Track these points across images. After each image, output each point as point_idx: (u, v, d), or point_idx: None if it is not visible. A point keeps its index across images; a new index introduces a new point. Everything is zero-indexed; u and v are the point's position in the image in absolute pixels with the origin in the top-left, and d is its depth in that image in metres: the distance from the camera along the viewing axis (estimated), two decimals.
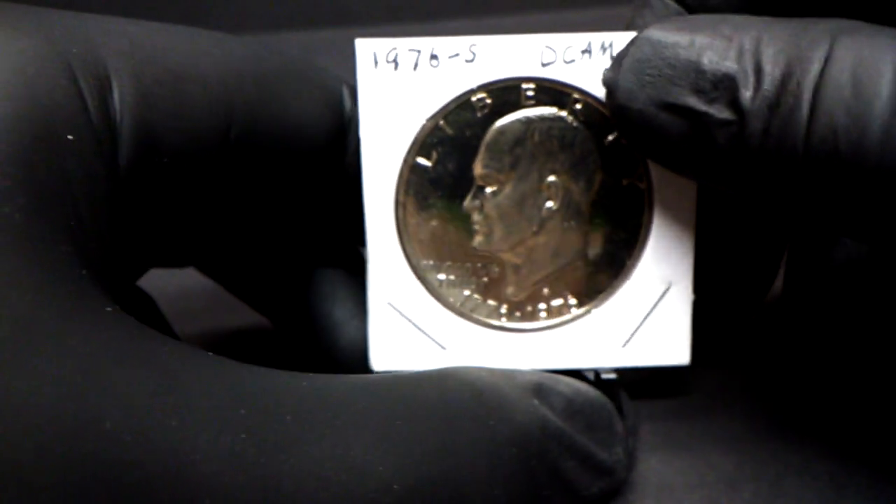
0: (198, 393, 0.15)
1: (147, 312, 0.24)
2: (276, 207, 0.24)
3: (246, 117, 0.20)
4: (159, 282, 0.24)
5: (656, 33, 0.19)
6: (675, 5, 0.22)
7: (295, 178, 0.23)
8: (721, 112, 0.18)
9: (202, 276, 0.27)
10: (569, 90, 0.21)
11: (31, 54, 0.15)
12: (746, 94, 0.17)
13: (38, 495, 0.13)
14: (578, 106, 0.22)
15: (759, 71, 0.17)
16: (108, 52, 0.17)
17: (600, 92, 0.21)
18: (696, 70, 0.18)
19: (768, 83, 0.17)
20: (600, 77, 0.21)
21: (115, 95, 0.17)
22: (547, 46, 0.21)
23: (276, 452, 0.15)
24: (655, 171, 0.22)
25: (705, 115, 0.18)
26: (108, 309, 0.15)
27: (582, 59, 0.21)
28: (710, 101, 0.18)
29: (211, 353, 0.16)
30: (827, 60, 0.16)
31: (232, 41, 0.20)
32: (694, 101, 0.18)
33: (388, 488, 0.16)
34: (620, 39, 0.21)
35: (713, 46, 0.18)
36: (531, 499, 0.19)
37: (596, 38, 0.21)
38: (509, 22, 0.41)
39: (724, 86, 0.18)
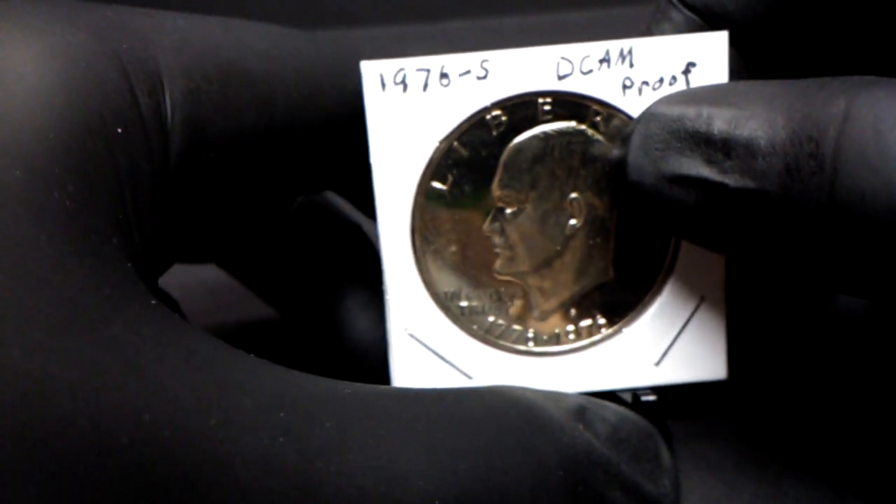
0: (239, 392, 0.15)
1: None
2: (303, 196, 0.24)
3: (287, 112, 0.20)
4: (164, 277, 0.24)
5: (661, 107, 0.19)
6: (693, 16, 0.20)
7: (331, 169, 0.23)
8: (737, 181, 0.17)
9: (201, 272, 0.26)
10: (588, 102, 0.20)
11: (83, 48, 0.16)
12: (762, 160, 0.16)
13: (74, 483, 0.12)
14: (599, 118, 0.20)
15: (773, 135, 0.16)
16: (159, 49, 0.17)
17: (621, 102, 0.20)
18: (707, 140, 0.17)
19: (785, 147, 0.16)
20: (620, 86, 0.20)
21: (167, 92, 0.17)
22: (563, 58, 0.20)
23: (314, 458, 0.14)
24: None
25: (720, 185, 0.17)
26: (153, 302, 0.15)
27: (600, 69, 0.20)
28: (724, 171, 0.17)
29: (252, 355, 0.16)
30: (845, 119, 0.15)
31: (275, 33, 0.21)
32: (707, 172, 0.17)
33: (429, 502, 0.15)
34: (640, 46, 0.20)
35: (722, 115, 0.17)
36: None
37: (614, 46, 0.20)
38: (510, 22, 0.40)
39: (738, 154, 0.17)
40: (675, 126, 0.18)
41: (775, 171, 0.16)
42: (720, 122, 0.17)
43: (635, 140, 0.19)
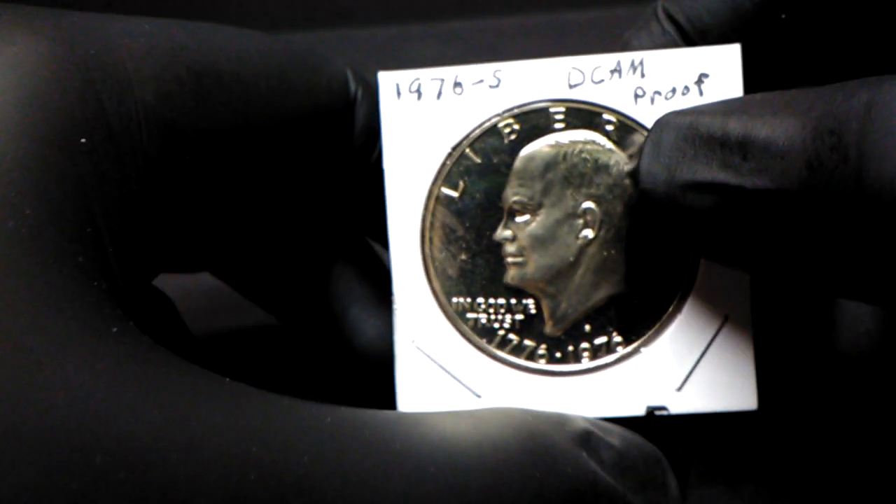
0: (207, 428, 0.14)
1: (164, 313, 0.23)
2: (291, 199, 0.23)
3: (260, 110, 0.20)
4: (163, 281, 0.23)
5: (674, 116, 0.18)
6: (672, 29, 0.21)
7: (309, 166, 0.22)
8: (755, 182, 0.16)
9: (209, 277, 0.26)
10: (600, 110, 0.20)
11: (46, 57, 0.15)
12: (781, 158, 0.16)
13: None
14: (611, 127, 0.20)
15: (792, 132, 0.16)
16: (127, 54, 0.17)
17: (633, 111, 0.20)
18: (722, 143, 0.17)
19: (805, 143, 0.15)
20: (632, 96, 0.20)
21: (136, 97, 0.17)
22: (574, 68, 0.20)
23: (289, 496, 0.13)
24: None
25: (738, 189, 0.16)
26: (115, 329, 0.14)
27: (612, 79, 0.20)
28: (742, 174, 0.16)
29: (228, 380, 0.15)
30: (868, 109, 0.15)
31: (244, 35, 0.21)
32: (723, 176, 0.17)
33: None
34: (651, 58, 0.20)
35: (737, 117, 0.17)
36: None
37: (625, 58, 0.20)
38: (510, 22, 0.41)
39: (755, 154, 0.16)
40: (689, 132, 0.18)
41: (796, 168, 0.15)
42: (736, 123, 0.17)
43: (647, 148, 0.19)
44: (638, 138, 0.20)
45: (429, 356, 0.21)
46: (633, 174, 0.19)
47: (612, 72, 0.20)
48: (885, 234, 0.14)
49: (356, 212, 0.24)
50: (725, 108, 0.18)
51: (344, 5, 0.44)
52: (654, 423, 0.20)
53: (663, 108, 0.20)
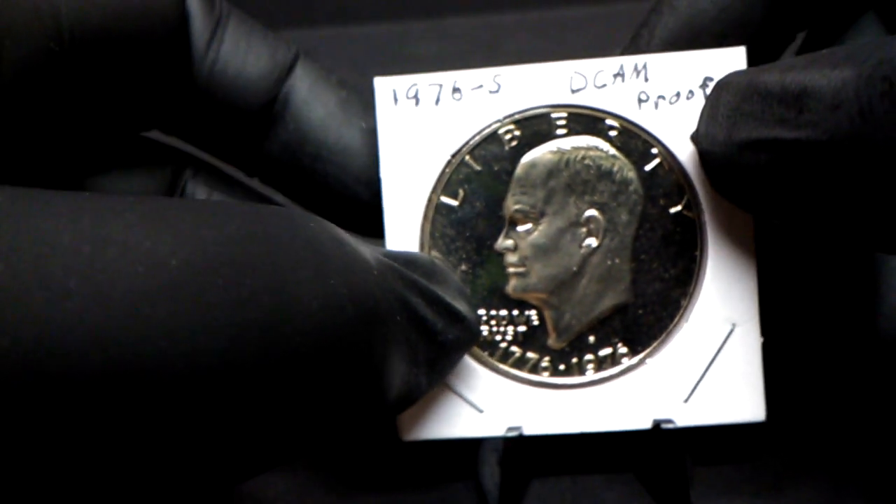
0: None
1: None
2: (131, 117, 0.21)
3: (75, 11, 0.18)
4: None
5: (733, 76, 0.18)
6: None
7: (146, 77, 0.20)
8: (811, 134, 0.16)
9: None
10: (602, 115, 0.20)
11: None
12: (836, 108, 0.15)
13: None
14: (614, 133, 0.20)
15: (846, 81, 0.15)
16: None
17: (637, 116, 0.20)
18: (780, 97, 0.16)
19: (858, 91, 0.15)
20: (635, 100, 0.20)
21: None
22: (576, 72, 0.20)
23: None
24: (707, 197, 0.20)
25: (794, 142, 0.16)
26: None
27: (615, 84, 0.20)
28: (798, 127, 0.16)
29: None
30: None
31: None
32: (779, 132, 0.16)
33: (161, 264, 0.12)
34: (655, 62, 0.20)
35: (795, 72, 0.16)
36: (384, 314, 0.16)
37: (628, 61, 0.20)
38: (510, 19, 0.40)
39: (811, 106, 0.16)
40: (747, 91, 0.17)
41: (849, 117, 0.15)
42: (793, 78, 0.16)
43: (706, 110, 0.18)
44: (641, 144, 0.20)
45: None
46: (694, 137, 0.19)
47: (616, 76, 0.20)
48: None
49: (180, 138, 0.23)
50: (784, 65, 0.17)
51: (343, 3, 0.43)
52: (660, 434, 0.20)
53: (667, 112, 0.20)
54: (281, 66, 0.21)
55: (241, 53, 0.21)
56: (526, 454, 0.22)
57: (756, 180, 0.17)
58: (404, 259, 0.18)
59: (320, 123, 0.21)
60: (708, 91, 0.20)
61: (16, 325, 0.11)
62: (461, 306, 0.19)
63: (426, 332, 0.18)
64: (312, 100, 0.21)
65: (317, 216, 0.16)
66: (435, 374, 0.19)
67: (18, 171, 0.20)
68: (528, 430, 0.20)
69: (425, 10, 0.43)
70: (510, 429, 0.20)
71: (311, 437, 0.15)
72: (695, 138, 0.19)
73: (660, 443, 0.20)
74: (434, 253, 0.20)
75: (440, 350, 0.18)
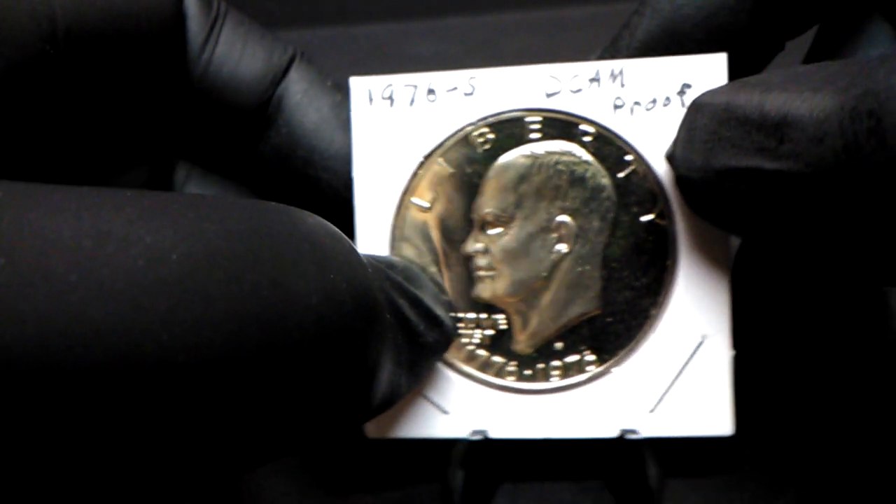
0: None
1: None
2: (126, 117, 0.21)
3: (71, 12, 0.18)
4: None
5: (708, 97, 0.17)
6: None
7: (141, 77, 0.20)
8: (792, 166, 0.15)
9: None
10: (577, 121, 0.20)
11: None
12: (819, 141, 0.15)
13: None
14: (588, 138, 0.20)
15: (830, 113, 0.15)
16: None
17: (612, 122, 0.20)
18: (759, 126, 0.16)
19: (843, 125, 0.14)
20: (611, 106, 0.20)
21: None
22: (551, 76, 0.20)
23: None
24: (680, 206, 0.19)
25: (775, 173, 0.16)
26: None
27: (590, 88, 0.20)
28: (778, 158, 0.15)
29: None
30: None
31: None
32: (759, 161, 0.16)
33: (162, 258, 0.12)
34: (632, 67, 0.19)
35: (774, 98, 0.16)
36: (380, 311, 0.16)
37: (605, 66, 0.20)
38: (510, 18, 0.40)
39: (793, 137, 0.15)
40: (725, 115, 0.17)
41: (833, 152, 0.14)
42: (773, 105, 0.16)
43: (681, 132, 0.18)
44: (615, 150, 0.20)
45: None
46: (669, 158, 0.19)
47: (591, 81, 0.20)
48: None
49: (174, 137, 0.23)
50: (761, 84, 0.17)
51: (343, 3, 0.43)
52: (627, 443, 0.19)
53: (643, 119, 0.19)
54: (276, 68, 0.21)
55: (236, 54, 0.21)
56: (492, 457, 0.22)
57: (735, 207, 0.17)
58: (385, 262, 0.19)
59: (313, 128, 0.21)
60: (686, 98, 0.19)
61: (18, 319, 0.11)
62: (439, 311, 0.19)
63: (410, 334, 0.18)
64: (306, 104, 0.21)
65: (314, 214, 0.16)
66: (413, 377, 0.19)
67: (14, 170, 0.20)
68: (493, 434, 0.20)
69: (425, 10, 0.43)
70: (475, 432, 0.20)
71: (307, 431, 0.15)
72: (670, 159, 0.19)
73: (625, 452, 0.20)
74: (404, 254, 0.20)
75: (420, 352, 0.18)
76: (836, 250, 0.16)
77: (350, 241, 0.16)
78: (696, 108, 0.18)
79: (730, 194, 0.17)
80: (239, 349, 0.13)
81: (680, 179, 0.18)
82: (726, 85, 0.18)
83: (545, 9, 0.39)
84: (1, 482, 0.12)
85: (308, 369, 0.14)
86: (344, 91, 0.22)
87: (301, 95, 0.21)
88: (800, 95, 0.15)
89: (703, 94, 0.18)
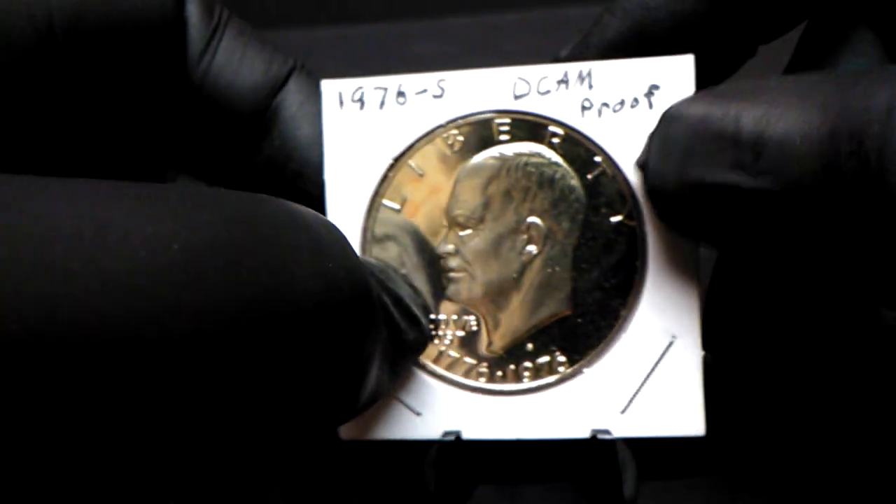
0: None
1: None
2: (123, 119, 0.21)
3: (68, 13, 0.18)
4: None
5: (683, 107, 0.17)
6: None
7: (138, 81, 0.20)
8: (769, 184, 0.15)
9: None
10: (546, 122, 0.20)
11: None
12: (797, 160, 0.14)
13: None
14: (557, 140, 0.20)
15: (808, 132, 0.14)
16: None
17: (580, 123, 0.20)
18: (735, 142, 0.16)
19: (822, 145, 0.14)
20: (579, 108, 0.20)
21: None
22: (520, 78, 0.20)
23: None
24: (649, 207, 0.19)
25: (752, 191, 0.15)
26: None
27: (558, 90, 0.20)
28: (755, 174, 0.15)
29: None
30: (889, 111, 0.13)
31: None
32: (735, 178, 0.16)
33: (163, 247, 0.13)
34: (600, 69, 0.20)
35: (751, 112, 0.15)
36: (375, 301, 0.16)
37: (573, 68, 0.20)
38: (511, 18, 0.40)
39: (769, 154, 0.15)
40: (700, 127, 0.16)
41: (812, 171, 0.14)
42: (749, 120, 0.15)
43: (655, 143, 0.18)
44: (584, 152, 0.20)
45: None
46: (642, 168, 0.18)
47: (559, 82, 0.20)
48: None
49: (169, 142, 0.23)
50: (737, 96, 0.16)
51: (343, 3, 0.43)
52: (599, 444, 0.19)
53: (611, 121, 0.20)
54: (274, 79, 0.21)
55: (234, 63, 0.21)
56: (466, 459, 0.22)
57: (708, 220, 0.17)
58: (364, 261, 0.19)
59: (306, 141, 0.21)
60: (654, 100, 0.19)
61: (21, 307, 0.11)
62: (417, 310, 0.19)
63: (394, 330, 0.18)
64: (301, 116, 0.21)
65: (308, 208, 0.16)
66: (393, 376, 0.19)
67: (13, 169, 0.21)
68: (466, 435, 0.20)
69: (425, 10, 0.43)
70: (447, 433, 0.20)
71: (303, 419, 0.15)
72: (642, 169, 0.18)
73: (598, 453, 0.20)
74: (375, 256, 0.20)
75: (401, 350, 0.19)
76: (813, 267, 0.16)
77: (343, 234, 0.16)
78: (669, 119, 0.17)
79: (703, 208, 0.17)
80: (239, 334, 0.13)
81: (652, 190, 0.18)
82: (700, 95, 0.17)
83: (545, 9, 0.39)
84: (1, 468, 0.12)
85: (307, 354, 0.14)
86: None
87: (297, 108, 0.21)
88: (776, 111, 0.15)
89: (677, 105, 0.18)
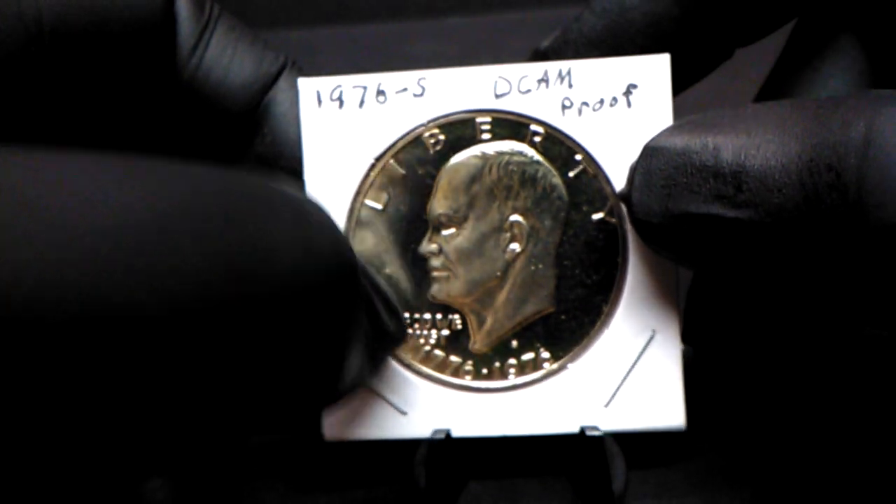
0: None
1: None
2: (113, 116, 0.21)
3: (56, 13, 0.18)
4: None
5: (664, 140, 0.17)
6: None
7: (129, 79, 0.20)
8: (751, 215, 0.15)
9: None
10: (527, 121, 0.20)
11: None
12: (777, 192, 0.15)
13: None
14: (538, 138, 0.20)
15: (787, 164, 0.15)
16: None
17: (560, 122, 0.20)
18: (715, 174, 0.16)
19: (802, 177, 0.14)
20: (559, 106, 0.20)
21: None
22: (500, 77, 0.20)
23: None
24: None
25: (735, 221, 0.16)
26: None
27: (539, 89, 0.20)
28: (737, 206, 0.16)
29: None
30: (867, 144, 0.14)
31: None
32: (717, 209, 0.16)
33: (132, 216, 0.12)
34: (579, 68, 0.20)
35: (730, 144, 0.16)
36: (359, 277, 0.16)
37: (553, 67, 0.20)
38: (510, 18, 0.40)
39: (750, 186, 0.15)
40: (680, 160, 0.17)
41: (793, 202, 0.15)
42: (728, 153, 0.16)
43: (639, 177, 0.18)
44: (564, 150, 0.20)
45: None
46: (626, 201, 0.18)
47: (540, 81, 0.20)
48: (884, 268, 0.14)
49: (159, 139, 0.22)
50: (715, 127, 0.16)
51: (343, 3, 0.43)
52: (587, 439, 0.20)
53: (591, 119, 0.20)
54: (265, 76, 0.21)
55: (225, 60, 0.21)
56: (456, 456, 0.22)
57: (693, 249, 0.17)
58: None
59: (297, 139, 0.21)
60: (632, 99, 0.20)
61: None
62: (395, 303, 0.19)
63: (374, 318, 0.18)
64: (292, 114, 0.21)
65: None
66: (373, 367, 0.19)
67: None
68: (456, 433, 0.20)
69: (425, 10, 0.43)
70: (437, 431, 0.20)
71: (283, 399, 0.15)
72: (626, 200, 0.19)
73: (586, 447, 0.20)
74: (358, 256, 0.20)
75: (382, 340, 0.18)
76: (794, 291, 0.16)
77: (332, 216, 0.16)
78: (650, 153, 0.18)
79: (688, 238, 0.17)
80: (211, 301, 0.13)
81: (637, 222, 0.18)
82: (679, 125, 0.18)
83: (545, 9, 0.39)
84: None
85: (287, 330, 0.14)
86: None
87: (288, 105, 0.21)
88: (754, 142, 0.15)
89: (657, 137, 0.18)
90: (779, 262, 0.16)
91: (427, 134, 0.20)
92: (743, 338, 0.21)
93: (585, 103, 0.20)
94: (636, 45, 0.20)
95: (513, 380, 0.20)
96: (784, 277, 0.16)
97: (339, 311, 0.15)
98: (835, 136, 0.14)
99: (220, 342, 0.13)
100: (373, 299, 0.18)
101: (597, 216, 0.20)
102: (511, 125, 0.20)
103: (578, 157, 0.20)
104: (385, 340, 0.19)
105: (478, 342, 0.20)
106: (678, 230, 0.17)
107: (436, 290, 0.20)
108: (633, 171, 0.18)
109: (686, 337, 0.20)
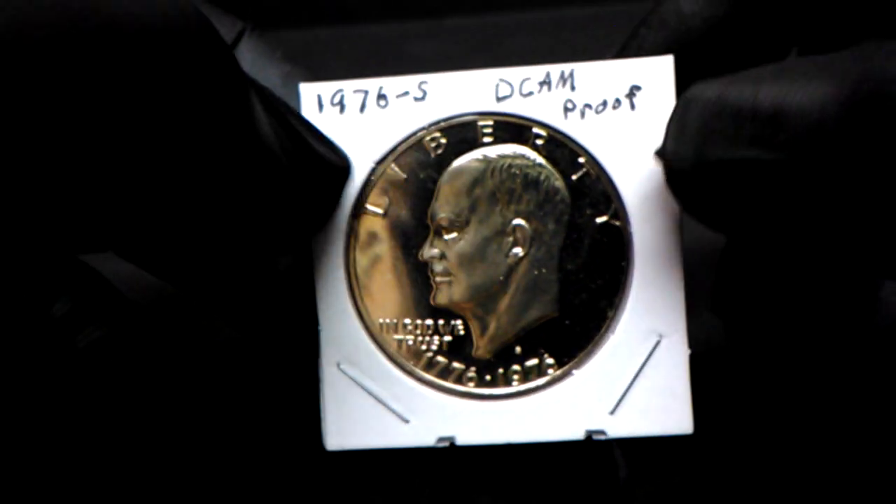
0: None
1: (90, 283, 0.21)
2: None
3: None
4: None
5: (699, 90, 0.17)
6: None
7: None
8: (789, 155, 0.15)
9: None
10: (529, 124, 0.20)
11: None
12: (819, 130, 0.14)
13: None
14: (540, 141, 0.20)
15: (829, 101, 0.14)
16: None
17: (563, 125, 0.20)
18: (753, 114, 0.15)
19: (843, 111, 0.14)
20: (561, 109, 0.20)
21: None
22: (502, 80, 0.20)
23: None
24: (633, 207, 0.19)
25: (771, 162, 0.15)
26: None
27: (541, 92, 0.20)
28: (776, 147, 0.15)
29: None
30: None
31: None
32: (755, 152, 0.15)
33: None
34: (581, 70, 0.20)
35: (769, 87, 0.15)
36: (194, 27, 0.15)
37: (555, 69, 0.20)
38: (511, 18, 0.40)
39: (790, 125, 0.15)
40: (716, 108, 0.16)
41: (832, 138, 0.14)
42: (767, 94, 0.15)
43: (672, 126, 0.17)
44: (567, 153, 0.20)
45: (354, 380, 0.20)
46: (660, 153, 0.18)
47: (542, 84, 0.20)
48: None
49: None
50: (754, 77, 0.16)
51: (343, 3, 0.43)
52: (596, 444, 0.19)
53: (594, 122, 0.20)
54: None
55: None
56: (460, 467, 0.21)
57: (727, 201, 0.17)
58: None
59: None
60: (636, 101, 0.19)
61: None
62: (323, 133, 0.19)
63: (303, 146, 0.18)
64: (254, 74, 0.20)
65: None
66: (326, 205, 0.19)
67: None
68: (460, 441, 0.20)
69: (425, 10, 0.43)
70: (441, 439, 0.20)
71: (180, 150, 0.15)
72: (661, 154, 0.18)
73: (591, 454, 0.20)
74: (360, 262, 0.20)
75: (323, 171, 0.18)
76: (830, 240, 0.16)
77: None
78: (686, 102, 0.17)
79: (722, 187, 0.16)
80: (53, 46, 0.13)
81: (671, 174, 0.18)
82: (717, 79, 0.17)
83: (545, 9, 0.39)
84: None
85: (129, 62, 0.14)
86: (295, 61, 0.21)
87: (249, 66, 0.21)
88: (794, 84, 0.15)
89: (693, 88, 0.17)
90: (815, 206, 0.15)
91: (428, 138, 0.20)
92: (771, 310, 0.21)
93: (588, 105, 0.19)
94: (697, 52, 0.20)
95: (517, 386, 0.20)
96: (819, 224, 0.15)
97: (195, 61, 0.15)
98: (877, 69, 0.14)
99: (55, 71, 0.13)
100: (293, 125, 0.17)
101: (601, 219, 0.20)
102: (513, 128, 0.20)
103: (581, 159, 0.20)
104: (326, 171, 0.19)
105: (481, 348, 0.20)
106: (711, 180, 0.16)
107: (438, 295, 0.20)
108: (669, 124, 0.18)
109: (715, 308, 0.19)
